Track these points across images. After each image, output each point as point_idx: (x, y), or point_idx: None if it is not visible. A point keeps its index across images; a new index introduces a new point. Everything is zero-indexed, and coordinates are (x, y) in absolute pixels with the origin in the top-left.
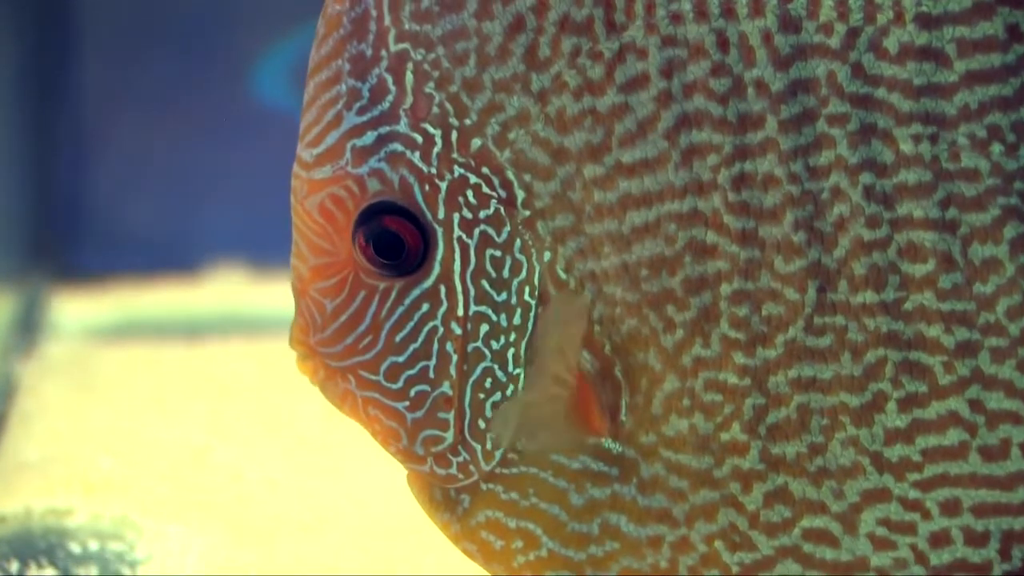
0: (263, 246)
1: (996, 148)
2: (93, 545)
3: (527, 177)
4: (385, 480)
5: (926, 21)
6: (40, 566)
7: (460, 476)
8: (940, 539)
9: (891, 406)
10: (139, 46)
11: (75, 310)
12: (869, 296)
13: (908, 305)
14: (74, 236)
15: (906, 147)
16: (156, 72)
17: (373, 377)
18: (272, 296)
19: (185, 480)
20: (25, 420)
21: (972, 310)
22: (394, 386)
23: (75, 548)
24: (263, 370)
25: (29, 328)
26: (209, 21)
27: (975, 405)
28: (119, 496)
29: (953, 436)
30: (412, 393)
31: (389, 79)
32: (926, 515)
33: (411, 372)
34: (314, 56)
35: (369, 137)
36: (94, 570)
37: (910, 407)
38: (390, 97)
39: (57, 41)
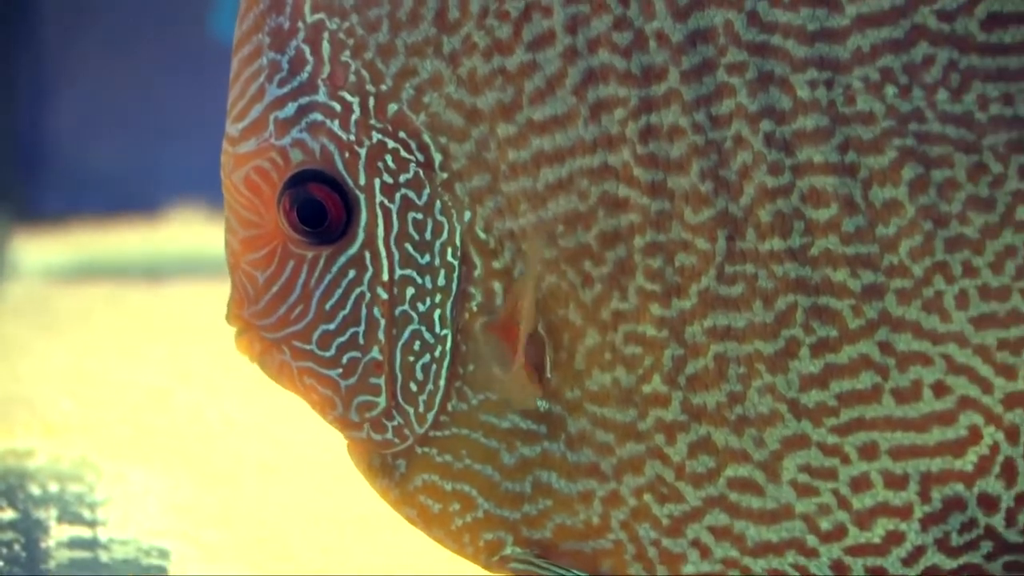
0: None
1: (890, 90)
2: (53, 487)
3: (443, 139)
4: None
5: None
6: None
7: (396, 440)
8: (860, 483)
9: (804, 352)
10: None
11: (36, 251)
12: (776, 243)
13: (814, 250)
14: (35, 177)
15: (803, 93)
16: (116, 13)
17: (306, 347)
18: None
19: (146, 422)
20: None
21: (876, 253)
22: (327, 354)
23: (35, 490)
24: (224, 311)
25: None
26: None
27: (885, 347)
28: (79, 438)
29: (866, 379)
30: (344, 360)
31: (307, 50)
32: (845, 460)
33: (342, 339)
34: (236, 32)
35: (290, 108)
36: (54, 512)
37: (822, 352)
38: (308, 68)
39: None
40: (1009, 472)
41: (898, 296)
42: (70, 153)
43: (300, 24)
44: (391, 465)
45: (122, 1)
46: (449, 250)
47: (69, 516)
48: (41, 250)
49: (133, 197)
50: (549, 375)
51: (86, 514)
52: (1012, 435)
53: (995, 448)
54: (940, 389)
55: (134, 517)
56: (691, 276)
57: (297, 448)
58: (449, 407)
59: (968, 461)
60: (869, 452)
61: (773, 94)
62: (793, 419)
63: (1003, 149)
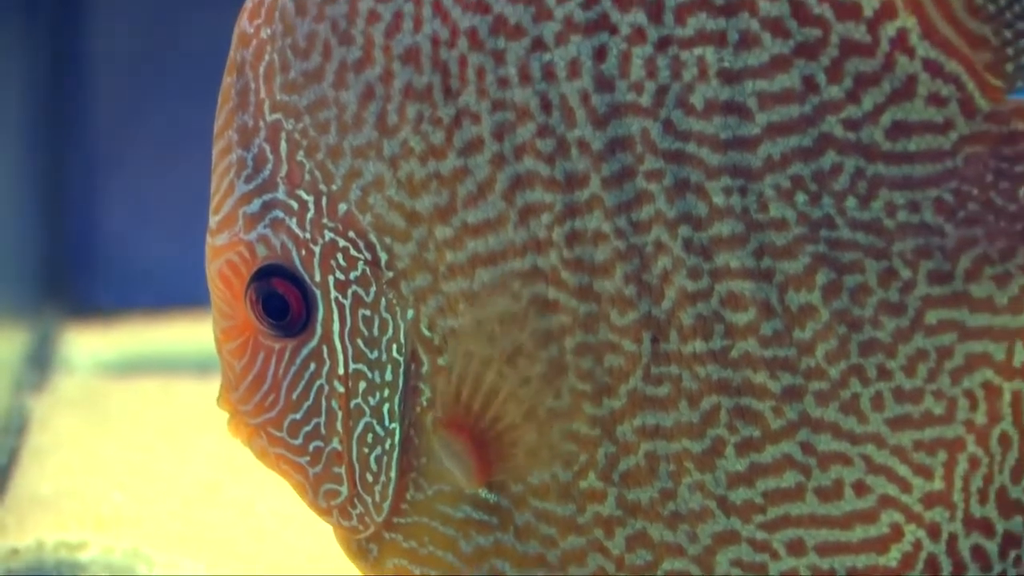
0: None
1: (800, 197)
2: None
3: (387, 239)
4: None
5: (728, 76)
6: None
7: (360, 527)
8: None
9: (729, 451)
10: (150, 83)
11: (87, 345)
12: (698, 345)
13: (735, 353)
14: (86, 272)
15: (718, 199)
16: (166, 110)
17: (279, 434)
18: None
19: (196, 514)
20: (38, 454)
21: (794, 356)
22: (296, 442)
23: None
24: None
25: (41, 363)
26: (219, 60)
27: (806, 448)
28: (131, 530)
29: (790, 478)
30: (310, 448)
31: (267, 148)
32: (774, 555)
33: (307, 428)
34: (215, 126)
35: (256, 204)
36: None
37: (747, 451)
38: (269, 165)
39: (69, 79)
40: (933, 568)
41: (816, 398)
42: (120, 250)
43: (261, 123)
44: (366, 548)
45: (172, 99)
46: (394, 346)
47: None
48: (92, 345)
49: (181, 292)
50: (496, 469)
51: None
52: (934, 532)
53: (918, 545)
54: (861, 488)
55: None
56: (620, 377)
57: None
58: (408, 496)
59: (892, 557)
60: (797, 548)
61: (690, 200)
62: (723, 515)
63: (911, 255)
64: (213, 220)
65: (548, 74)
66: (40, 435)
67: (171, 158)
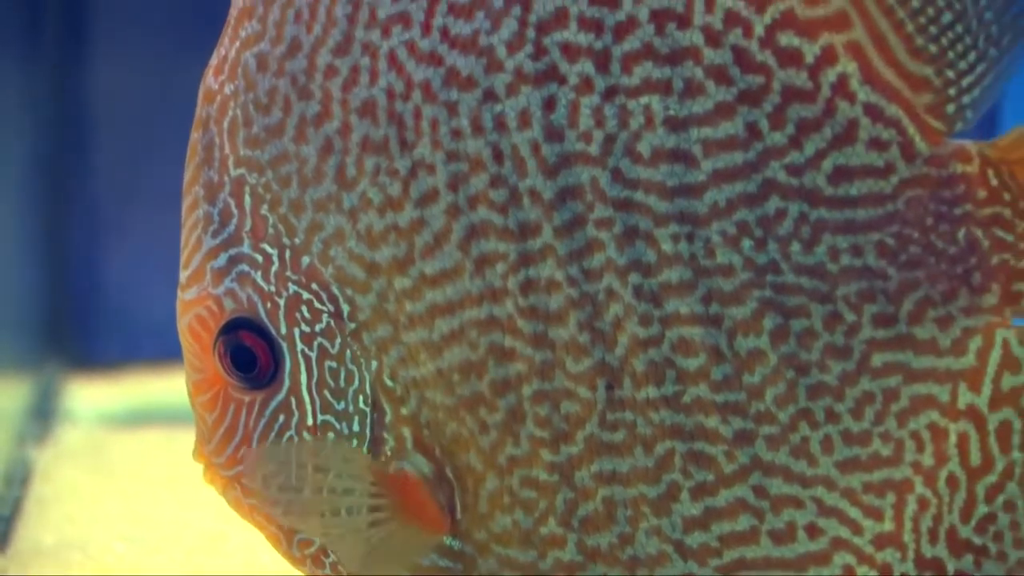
0: None
1: (746, 243)
2: None
3: (349, 291)
4: None
5: (674, 124)
6: None
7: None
8: None
9: (684, 495)
10: (152, 139)
11: (90, 397)
12: (651, 391)
13: (687, 398)
14: (89, 324)
15: (667, 246)
16: (168, 164)
17: (252, 485)
18: None
19: (200, 565)
20: (41, 505)
21: (744, 400)
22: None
23: None
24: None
25: (45, 414)
26: None
27: (759, 491)
28: None
29: (744, 522)
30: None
31: (232, 203)
32: None
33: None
34: (184, 182)
35: (222, 259)
36: None
37: (701, 496)
38: (235, 220)
39: (72, 131)
40: None
41: (767, 442)
42: (122, 303)
43: (226, 178)
44: None
45: (172, 159)
46: (360, 397)
47: None
48: (96, 397)
49: None
50: (459, 517)
51: None
52: (886, 573)
53: None
54: (813, 531)
55: None
56: (576, 423)
57: None
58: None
59: None
60: None
61: (639, 248)
62: (680, 559)
63: (855, 299)
64: (183, 275)
65: (499, 125)
66: (43, 486)
67: (173, 212)
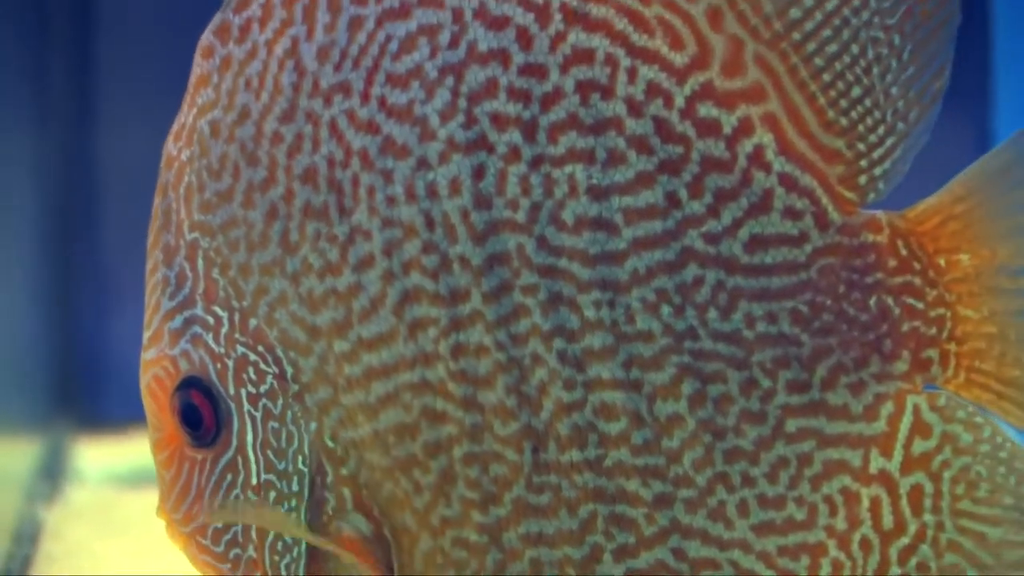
0: None
1: (665, 310)
2: None
3: (292, 353)
4: None
5: (597, 193)
6: None
7: None
8: None
9: (607, 557)
10: None
11: (98, 457)
12: (575, 454)
13: (608, 462)
14: (96, 385)
15: (589, 312)
16: None
17: (205, 542)
18: None
19: None
20: (50, 563)
21: (663, 464)
22: (218, 550)
23: None
24: None
25: (53, 474)
26: None
27: (678, 553)
28: None
29: None
30: (231, 556)
31: (187, 266)
32: None
33: (227, 537)
34: (148, 246)
35: (178, 320)
36: None
37: (623, 557)
38: (189, 283)
39: (80, 194)
40: None
41: (686, 505)
42: (130, 363)
43: (182, 242)
44: None
45: None
46: (300, 457)
47: None
48: (104, 456)
49: None
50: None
51: None
52: None
53: None
54: None
55: None
56: (504, 485)
57: None
58: None
59: None
60: None
61: (563, 314)
62: None
63: (770, 365)
64: (144, 336)
65: (431, 192)
66: (52, 544)
67: None
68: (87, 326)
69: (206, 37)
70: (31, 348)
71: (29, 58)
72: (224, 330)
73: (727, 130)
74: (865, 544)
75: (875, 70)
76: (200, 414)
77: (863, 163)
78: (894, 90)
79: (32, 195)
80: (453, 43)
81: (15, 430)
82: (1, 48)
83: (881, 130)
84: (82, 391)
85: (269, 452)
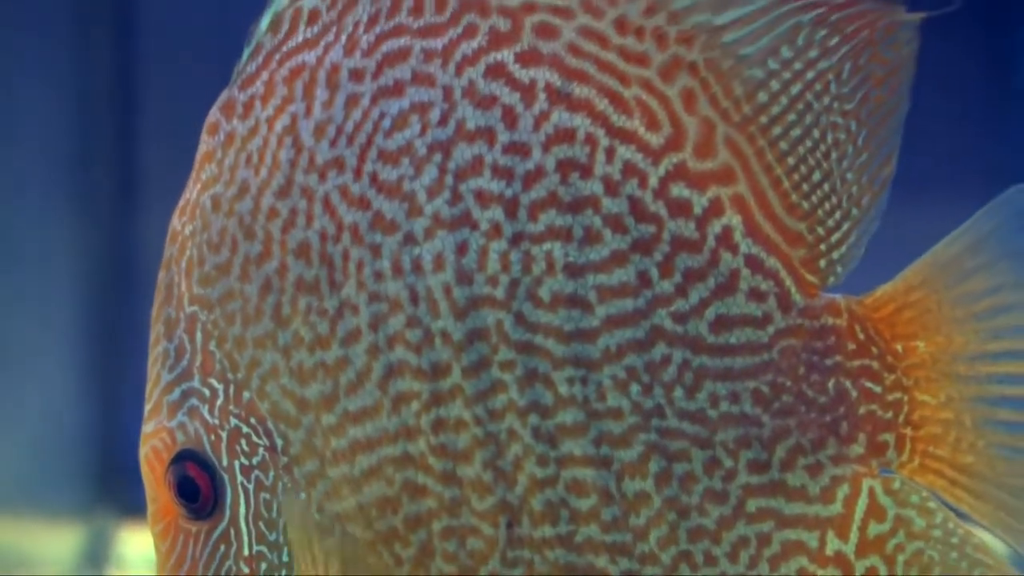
0: None
1: (634, 388)
2: None
3: (282, 426)
4: None
5: (572, 270)
6: None
7: None
8: None
9: None
10: None
11: (140, 543)
12: (547, 530)
13: (579, 537)
14: (138, 474)
15: (563, 389)
16: None
17: None
18: None
19: None
20: None
21: (630, 541)
22: None
23: None
24: None
25: (96, 560)
26: None
27: None
28: None
29: None
30: None
31: (186, 339)
32: None
33: None
34: (152, 319)
35: (176, 393)
36: None
37: None
38: (187, 355)
39: (122, 281)
40: None
41: None
42: None
43: (182, 315)
44: None
45: None
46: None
47: None
48: (146, 543)
49: None
50: None
51: None
52: None
53: None
54: None
55: None
56: (480, 559)
57: None
58: None
59: None
60: None
61: (538, 390)
62: None
63: (732, 445)
64: (145, 408)
65: (416, 267)
66: None
67: None
68: (130, 416)
69: (213, 114)
70: (75, 437)
71: (77, 141)
72: (219, 402)
73: (698, 210)
74: None
75: (833, 155)
76: (197, 486)
77: (823, 247)
78: (849, 175)
79: (75, 284)
80: (443, 121)
81: (60, 517)
82: (46, 129)
83: (838, 215)
84: (124, 479)
85: (260, 523)
